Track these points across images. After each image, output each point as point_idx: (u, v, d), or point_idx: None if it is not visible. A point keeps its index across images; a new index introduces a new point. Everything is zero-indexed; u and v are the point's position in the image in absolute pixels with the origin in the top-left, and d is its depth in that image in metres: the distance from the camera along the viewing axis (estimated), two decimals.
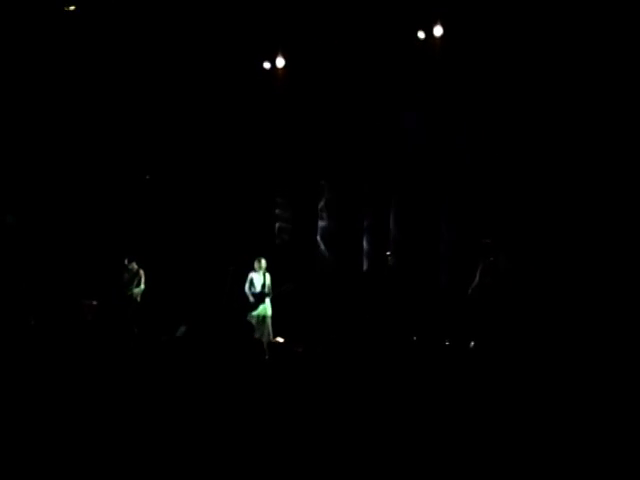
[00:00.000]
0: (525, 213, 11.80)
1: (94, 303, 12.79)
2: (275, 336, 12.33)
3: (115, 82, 13.99)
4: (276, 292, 12.60)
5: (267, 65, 13.60)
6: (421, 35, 12.34)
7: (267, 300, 12.52)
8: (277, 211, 14.41)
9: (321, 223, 14.03)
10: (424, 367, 7.62)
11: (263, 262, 12.61)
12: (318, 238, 13.98)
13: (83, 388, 6.71)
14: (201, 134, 14.40)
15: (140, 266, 13.16)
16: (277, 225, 14.46)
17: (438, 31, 12.11)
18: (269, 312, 12.58)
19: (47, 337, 9.21)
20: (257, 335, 11.93)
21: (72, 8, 12.64)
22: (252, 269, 12.63)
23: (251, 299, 12.48)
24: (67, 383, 6.84)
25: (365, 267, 13.62)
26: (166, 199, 14.57)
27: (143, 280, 13.09)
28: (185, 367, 9.12)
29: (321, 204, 14.02)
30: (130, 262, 13.08)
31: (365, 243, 13.64)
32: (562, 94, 11.42)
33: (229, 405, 6.66)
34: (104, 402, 6.41)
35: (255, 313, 12.46)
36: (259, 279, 12.58)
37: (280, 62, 13.40)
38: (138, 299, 13.11)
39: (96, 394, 6.58)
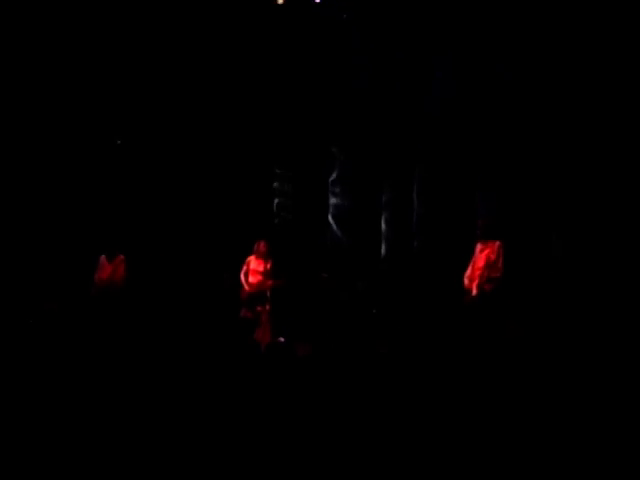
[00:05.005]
0: (582, 181, 10.78)
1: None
2: (275, 335, 10.89)
3: (99, 45, 12.88)
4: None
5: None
6: None
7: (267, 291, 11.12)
8: (276, 184, 13.20)
9: (333, 200, 12.90)
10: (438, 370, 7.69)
11: (264, 245, 11.17)
12: (330, 217, 12.82)
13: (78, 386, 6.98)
14: (185, 88, 13.05)
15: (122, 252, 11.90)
16: (276, 201, 13.21)
17: None
18: (268, 306, 11.17)
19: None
20: (254, 334, 10.74)
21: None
22: (250, 252, 11.20)
23: (247, 288, 11.04)
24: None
25: (384, 252, 12.47)
26: (142, 169, 13.13)
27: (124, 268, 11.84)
28: (176, 372, 8.84)
29: (333, 177, 12.78)
30: (111, 252, 11.85)
31: (384, 223, 12.48)
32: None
33: (222, 415, 6.67)
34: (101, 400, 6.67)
35: (252, 307, 11.04)
36: (259, 265, 11.09)
37: None
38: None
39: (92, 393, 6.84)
